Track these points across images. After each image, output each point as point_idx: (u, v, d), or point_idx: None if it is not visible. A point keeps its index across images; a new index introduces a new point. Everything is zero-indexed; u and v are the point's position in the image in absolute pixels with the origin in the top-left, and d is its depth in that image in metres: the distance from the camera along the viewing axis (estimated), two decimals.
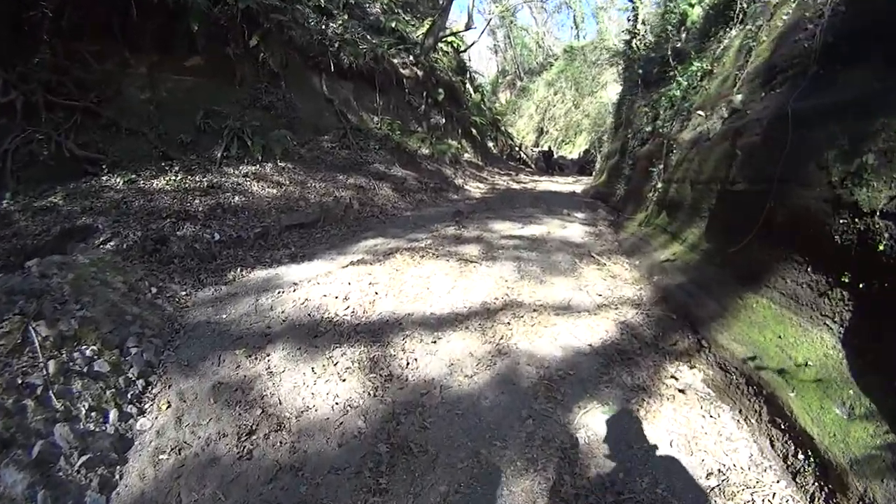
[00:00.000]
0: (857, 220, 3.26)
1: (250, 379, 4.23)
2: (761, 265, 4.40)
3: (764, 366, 3.72)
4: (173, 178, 9.31)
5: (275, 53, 12.73)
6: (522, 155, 31.97)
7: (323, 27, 14.63)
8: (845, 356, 3.28)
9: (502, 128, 28.38)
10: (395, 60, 17.79)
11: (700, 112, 7.41)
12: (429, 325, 5.09)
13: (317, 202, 10.52)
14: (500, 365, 4.35)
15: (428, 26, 19.06)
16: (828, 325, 3.52)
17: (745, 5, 7.85)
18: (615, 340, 4.85)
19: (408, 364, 4.40)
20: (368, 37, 16.74)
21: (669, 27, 12.55)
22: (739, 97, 5.82)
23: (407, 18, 20.30)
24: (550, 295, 5.98)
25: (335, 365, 4.39)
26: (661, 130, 9.32)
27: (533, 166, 31.54)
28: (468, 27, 19.41)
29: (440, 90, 19.06)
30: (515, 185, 18.94)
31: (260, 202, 9.66)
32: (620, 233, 9.64)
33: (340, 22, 15.59)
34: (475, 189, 16.76)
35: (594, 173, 21.56)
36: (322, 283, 6.19)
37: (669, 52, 10.87)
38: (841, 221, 3.39)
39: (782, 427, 3.35)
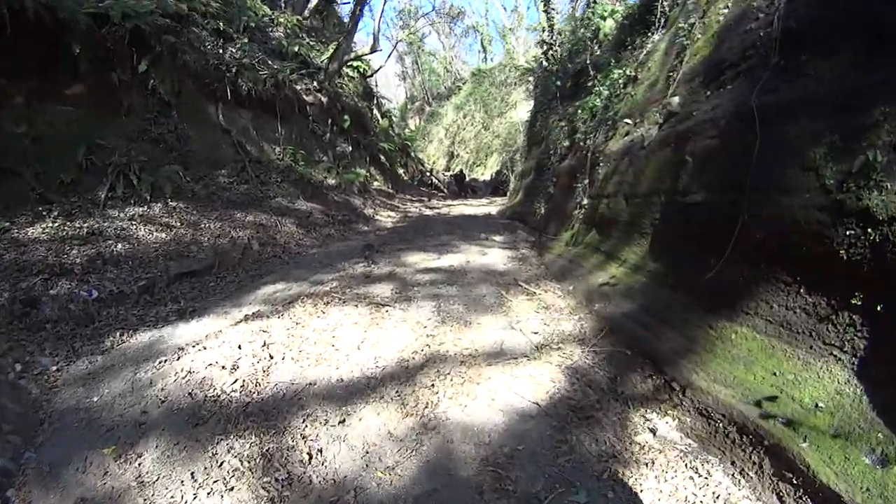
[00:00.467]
0: (869, 230, 2.69)
1: (118, 492, 3.20)
2: (735, 288, 3.76)
3: (763, 412, 3.07)
4: (51, 224, 8.02)
5: (166, 80, 11.49)
6: (434, 180, 31.41)
7: (220, 51, 13.45)
8: (864, 391, 2.73)
9: (412, 153, 27.75)
10: (298, 87, 16.76)
11: (627, 120, 6.89)
12: (335, 397, 4.12)
13: (211, 245, 9.37)
14: (428, 447, 3.43)
15: (332, 50, 18.15)
16: (836, 356, 2.94)
17: (665, 9, 7.43)
18: (565, 393, 4.05)
19: (311, 458, 3.40)
20: (269, 62, 15.63)
21: (585, 39, 12.28)
22: (676, 99, 5.25)
23: (311, 43, 19.34)
24: (479, 339, 5.15)
25: (220, 466, 3.36)
26: (581, 143, 8.81)
27: (445, 191, 31.05)
28: (374, 50, 18.68)
29: (346, 117, 18.16)
30: (428, 212, 18.21)
31: (146, 249, 8.47)
32: (546, 255, 9.02)
33: (239, 46, 14.44)
34: (386, 218, 15.89)
35: (509, 193, 21.19)
36: (209, 348, 5.09)
37: (588, 61, 10.40)
38: (847, 233, 2.82)
39: (794, 482, 2.73)
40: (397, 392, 4.11)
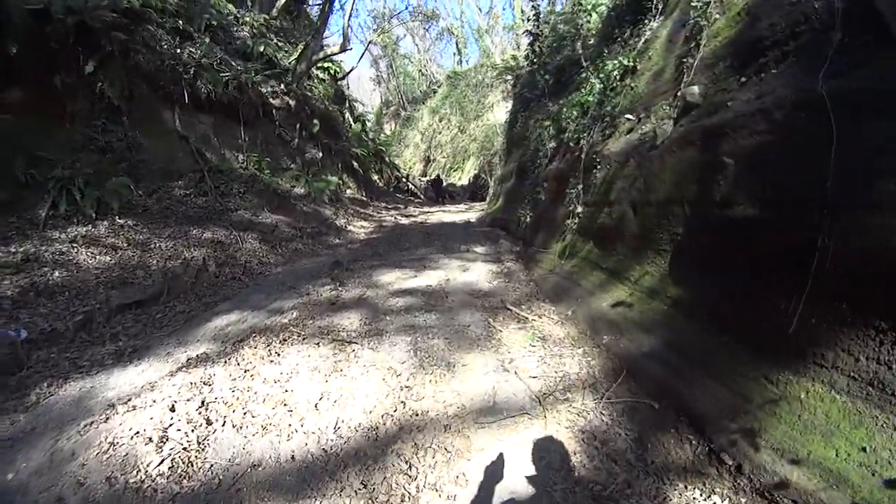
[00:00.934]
0: None
1: None
2: (805, 331, 2.86)
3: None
4: None
5: (116, 82, 10.41)
6: (410, 186, 30.43)
7: (178, 51, 12.39)
8: None
9: (387, 159, 26.73)
10: (264, 89, 15.70)
11: (629, 116, 6.03)
12: (283, 486, 3.13)
13: (160, 269, 8.34)
14: None
15: (301, 50, 17.12)
16: None
17: None
18: (584, 472, 3.10)
19: None
20: (233, 63, 14.61)
21: (568, 34, 11.51)
22: (696, 89, 4.36)
23: (279, 43, 18.28)
24: (465, 389, 4.19)
25: None
26: (571, 144, 7.91)
27: (422, 196, 30.10)
28: (344, 49, 17.59)
29: (315, 121, 17.13)
30: (405, 220, 17.23)
31: (86, 276, 7.46)
32: (535, 269, 8.14)
33: (199, 45, 13.38)
34: (360, 229, 14.89)
35: (488, 199, 20.31)
36: (140, 407, 4.08)
37: (580, 52, 9.55)
38: None
39: None
40: (363, 480, 3.11)
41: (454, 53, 54.02)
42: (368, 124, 27.78)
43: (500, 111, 33.60)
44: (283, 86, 16.59)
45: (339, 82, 22.76)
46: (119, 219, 9.13)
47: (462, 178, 37.66)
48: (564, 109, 9.07)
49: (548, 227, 8.64)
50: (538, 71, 12.25)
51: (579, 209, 6.93)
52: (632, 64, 6.82)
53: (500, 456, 3.24)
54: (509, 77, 17.40)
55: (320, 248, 11.95)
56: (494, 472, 3.10)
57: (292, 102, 16.48)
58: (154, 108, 11.68)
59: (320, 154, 17.22)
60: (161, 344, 5.86)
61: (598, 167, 6.47)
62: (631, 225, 5.28)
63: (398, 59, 54.99)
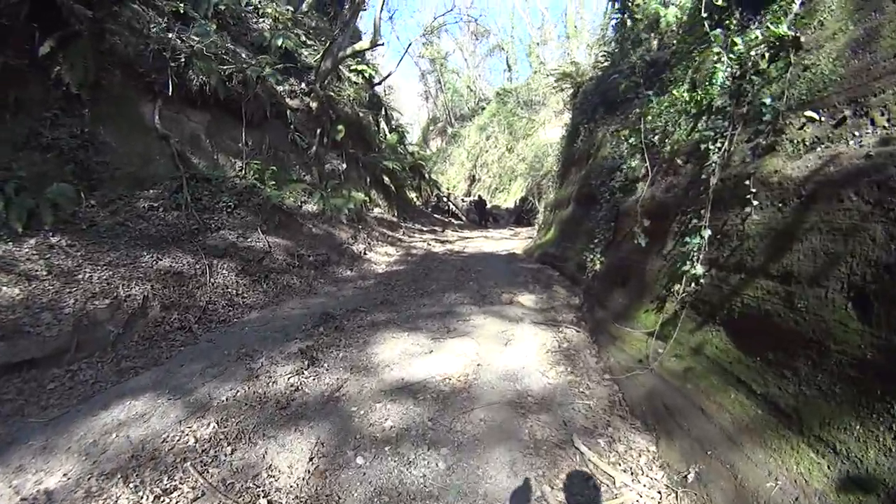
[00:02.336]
0: None
1: None
2: None
3: None
4: None
5: (77, 67, 8.19)
6: (451, 206, 27.74)
7: (168, 35, 10.18)
8: None
9: (427, 175, 24.18)
10: (281, 87, 13.50)
11: (811, 113, 3.27)
12: None
13: (77, 311, 5.91)
14: None
15: (326, 46, 14.78)
16: None
17: None
18: None
19: None
20: (242, 54, 12.38)
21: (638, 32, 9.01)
22: None
23: (305, 40, 16.09)
24: None
25: None
26: (680, 161, 5.18)
27: (463, 219, 27.43)
28: (375, 44, 15.15)
29: (340, 127, 14.72)
30: (438, 248, 14.59)
31: None
32: (611, 350, 5.42)
33: (197, 30, 11.16)
34: (381, 257, 12.33)
35: (537, 226, 17.49)
36: None
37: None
38: None
39: None
40: None
41: (504, 70, 52.07)
42: (408, 136, 25.34)
43: (552, 129, 30.89)
44: (303, 85, 14.32)
45: (374, 87, 20.40)
46: (53, 236, 6.81)
47: (507, 201, 34.91)
48: (657, 108, 6.35)
49: (632, 283, 5.88)
50: (623, 60, 9.63)
51: (698, 269, 4.18)
52: (790, 34, 4.04)
53: None
54: (567, 86, 14.55)
55: (321, 283, 9.40)
56: None
57: (313, 104, 14.15)
58: (128, 100, 9.43)
59: (343, 165, 14.77)
60: (18, 449, 3.64)
61: (746, 202, 3.70)
62: (849, 331, 2.50)
63: (446, 74, 53.02)
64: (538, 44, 43.07)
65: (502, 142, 39.72)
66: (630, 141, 7.29)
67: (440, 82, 53.68)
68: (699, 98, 5.04)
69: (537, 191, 26.61)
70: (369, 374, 4.76)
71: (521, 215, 28.89)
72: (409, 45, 32.09)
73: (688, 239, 4.38)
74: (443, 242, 15.86)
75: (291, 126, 13.27)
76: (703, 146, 4.60)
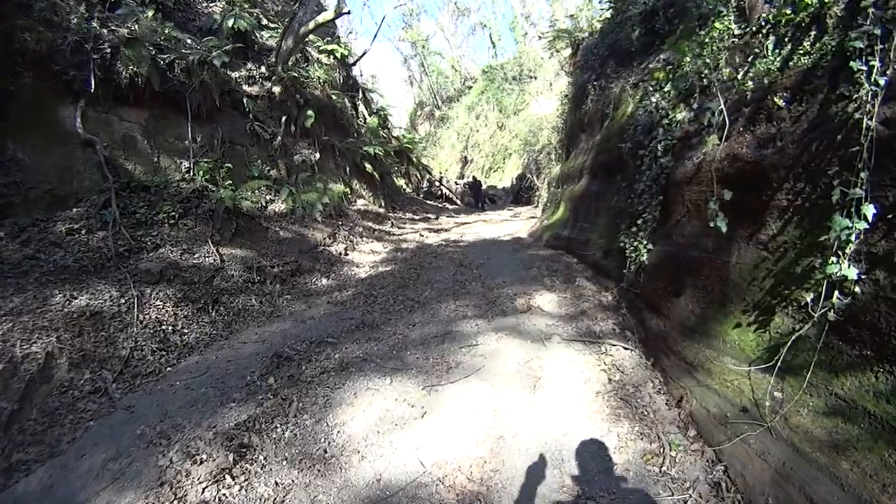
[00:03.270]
0: None
1: None
2: None
3: None
4: None
5: None
6: (444, 190, 25.78)
7: (92, 24, 8.36)
8: None
9: (415, 159, 22.22)
10: (236, 74, 11.61)
11: None
12: None
13: None
14: None
15: (286, 23, 12.87)
16: None
17: None
18: None
19: None
20: (187, 40, 10.51)
21: None
22: None
23: (265, 21, 14.15)
24: None
25: None
26: (778, 100, 3.38)
27: (459, 202, 25.48)
28: (340, 13, 13.16)
29: (310, 112, 12.80)
30: (433, 239, 12.70)
31: None
32: (688, 388, 3.75)
33: (125, 14, 9.31)
34: (366, 257, 10.50)
35: (541, 205, 15.67)
36: None
37: None
38: None
39: None
40: None
41: (489, 47, 49.88)
42: (392, 120, 23.34)
43: (546, 101, 29.00)
44: (263, 69, 12.42)
45: (350, 67, 18.42)
46: None
47: (503, 180, 32.98)
48: (711, 35, 4.61)
49: (705, 283, 4.09)
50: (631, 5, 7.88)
51: (849, 271, 2.44)
52: None
53: None
54: (563, 45, 12.64)
55: (287, 301, 7.59)
56: None
57: (276, 89, 12.27)
58: (42, 105, 7.67)
59: (316, 155, 12.87)
60: None
61: None
62: None
63: (429, 56, 51.01)
64: (523, 16, 41.01)
65: (493, 120, 37.79)
66: (667, 89, 5.54)
67: (423, 66, 51.53)
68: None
69: (535, 167, 24.85)
70: (327, 471, 3.04)
71: (519, 194, 27.10)
72: (384, 18, 29.92)
73: (829, 221, 2.60)
74: (437, 231, 14.00)
75: (250, 115, 11.40)
76: (829, 72, 2.80)
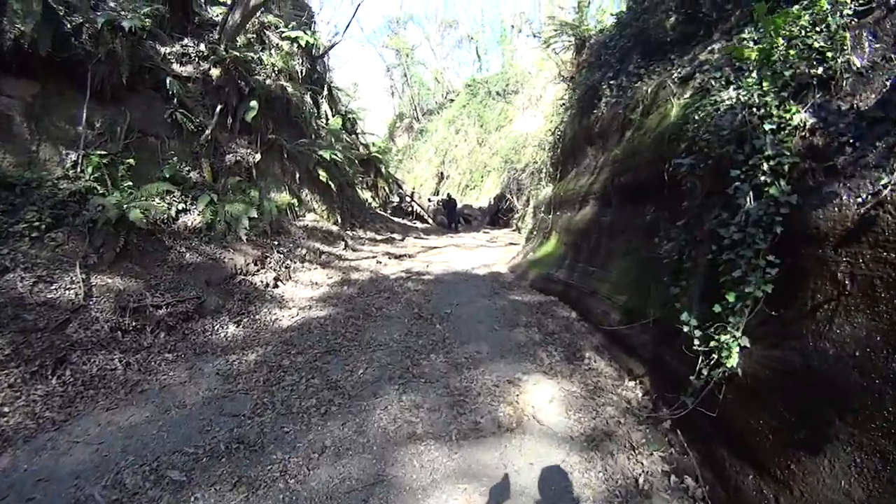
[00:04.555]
0: None
1: None
2: None
3: None
4: None
5: None
6: (416, 206, 23.42)
7: None
8: None
9: (384, 170, 19.86)
10: (166, 49, 9.38)
11: None
12: None
13: None
14: None
15: None
16: None
17: None
18: None
19: None
20: (110, 2, 8.28)
21: None
22: None
23: None
24: None
25: None
26: None
27: (430, 221, 23.12)
28: None
29: (253, 104, 10.38)
30: (391, 268, 10.49)
31: None
32: None
33: None
34: (302, 290, 8.11)
35: (525, 232, 13.36)
36: None
37: None
38: None
39: None
40: None
41: (474, 61, 48.34)
42: (362, 124, 20.86)
43: (531, 118, 27.16)
44: (203, 46, 10.05)
45: (317, 59, 16.01)
46: None
47: (480, 199, 30.81)
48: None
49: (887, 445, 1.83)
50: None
51: None
52: None
53: None
54: (565, 41, 10.48)
55: (167, 362, 5.19)
56: None
57: (215, 71, 9.96)
58: None
59: (256, 156, 10.44)
60: None
61: None
62: None
63: (413, 66, 49.22)
64: (513, 27, 39.28)
65: (473, 135, 36.04)
66: (751, 80, 3.40)
67: (406, 76, 49.83)
68: None
69: (516, 187, 23.01)
70: None
71: (496, 215, 25.02)
72: (359, 5, 27.53)
73: None
74: (399, 258, 11.61)
75: (174, 100, 9.00)
76: None
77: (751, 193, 3.11)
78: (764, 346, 2.94)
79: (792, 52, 3.31)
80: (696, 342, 3.22)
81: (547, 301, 7.23)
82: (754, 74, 3.59)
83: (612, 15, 8.77)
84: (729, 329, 3.01)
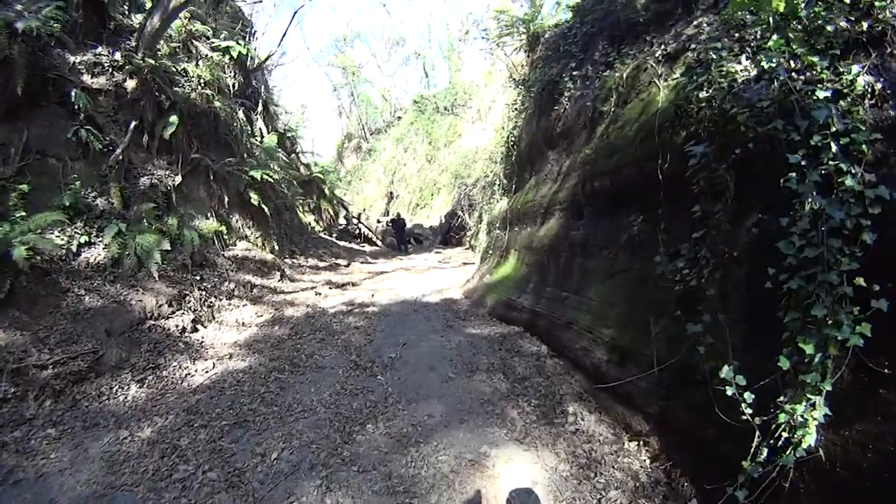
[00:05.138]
0: None
1: None
2: None
3: None
4: None
5: None
6: (363, 228, 22.16)
7: None
8: None
9: (328, 191, 18.61)
10: (76, 58, 8.18)
11: None
12: None
13: None
14: None
15: None
16: None
17: None
18: None
19: None
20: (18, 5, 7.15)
21: None
22: None
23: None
24: None
25: None
26: None
27: (380, 243, 21.84)
28: None
29: (173, 119, 9.08)
30: (331, 300, 9.10)
31: None
32: None
33: None
34: (227, 333, 6.95)
35: (479, 251, 12.32)
36: None
37: None
38: None
39: None
40: None
41: (422, 78, 47.57)
42: (301, 142, 19.52)
43: (481, 131, 26.35)
44: (119, 55, 8.73)
45: (251, 71, 14.72)
46: None
47: (431, 217, 29.74)
48: None
49: None
50: None
51: None
52: None
53: None
54: (516, 39, 9.58)
55: (50, 440, 3.90)
56: None
57: (131, 83, 8.73)
58: None
59: (177, 178, 9.14)
60: None
61: None
62: None
63: (360, 84, 48.22)
64: (461, 39, 38.74)
65: (421, 152, 35.19)
66: (772, 42, 2.43)
67: (353, 94, 48.77)
68: None
69: (467, 203, 22.09)
70: None
71: (448, 234, 23.94)
72: (297, 11, 26.16)
73: None
74: (342, 287, 10.38)
75: (81, 115, 7.73)
76: None
77: (813, 193, 2.11)
78: (855, 417, 1.93)
79: (819, 7, 2.42)
80: (747, 409, 2.19)
81: (510, 333, 6.20)
82: (774, 37, 2.64)
83: (568, 7, 7.89)
84: (805, 392, 1.98)
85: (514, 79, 10.30)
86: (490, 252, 10.05)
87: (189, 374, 5.52)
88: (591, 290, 4.84)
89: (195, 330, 6.86)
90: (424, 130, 35.87)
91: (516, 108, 9.59)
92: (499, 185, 10.80)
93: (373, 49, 49.51)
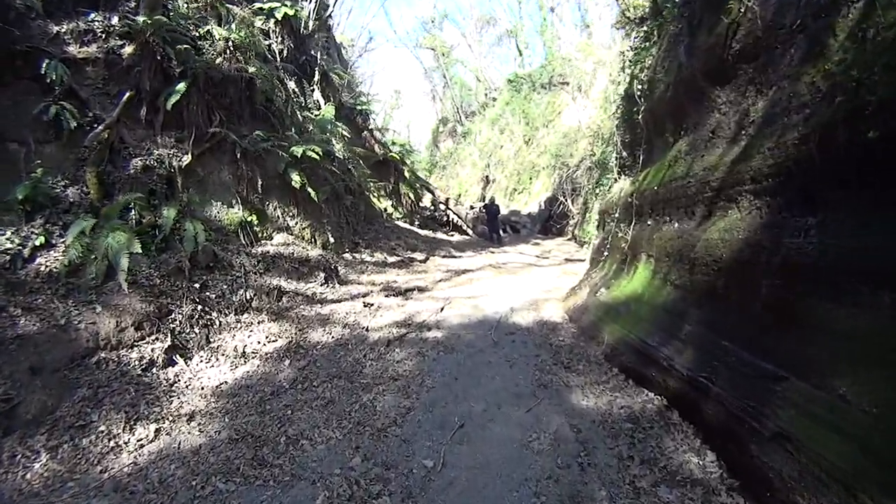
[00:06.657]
0: None
1: None
2: None
3: None
4: None
5: None
6: (452, 215, 19.70)
7: None
8: None
9: (408, 174, 16.28)
10: (61, 26, 6.61)
11: None
12: None
13: None
14: None
15: None
16: None
17: None
18: None
19: None
20: None
21: None
22: None
23: None
24: None
25: None
26: None
27: (470, 231, 19.30)
28: None
29: (181, 85, 7.03)
30: (381, 319, 6.50)
31: None
32: None
33: None
34: (211, 372, 4.68)
35: (591, 252, 9.27)
36: None
37: None
38: None
39: None
40: None
41: (515, 57, 45.32)
42: (374, 118, 17.15)
43: (582, 108, 23.49)
44: (115, 19, 7.08)
45: (302, 34, 12.54)
46: None
47: (529, 203, 26.98)
48: None
49: None
50: None
51: None
52: None
53: None
54: None
55: None
56: None
57: (128, 49, 7.01)
58: None
59: (185, 158, 7.07)
60: None
61: None
62: None
63: (452, 66, 47.04)
64: (552, 9, 35.73)
65: (518, 134, 32.84)
66: None
67: (446, 77, 47.61)
68: None
69: (569, 187, 19.62)
70: None
71: (548, 222, 21.35)
72: None
73: None
74: (405, 294, 7.91)
75: (56, 90, 5.81)
76: None
77: None
78: None
79: None
80: None
81: (645, 413, 3.58)
82: None
83: None
84: None
85: (629, 17, 7.43)
86: (604, 254, 7.29)
87: (114, 447, 3.36)
88: (849, 377, 2.13)
89: (170, 363, 4.74)
90: (521, 110, 33.75)
91: (637, 47, 6.76)
92: (616, 158, 7.97)
93: (463, 29, 48.41)
